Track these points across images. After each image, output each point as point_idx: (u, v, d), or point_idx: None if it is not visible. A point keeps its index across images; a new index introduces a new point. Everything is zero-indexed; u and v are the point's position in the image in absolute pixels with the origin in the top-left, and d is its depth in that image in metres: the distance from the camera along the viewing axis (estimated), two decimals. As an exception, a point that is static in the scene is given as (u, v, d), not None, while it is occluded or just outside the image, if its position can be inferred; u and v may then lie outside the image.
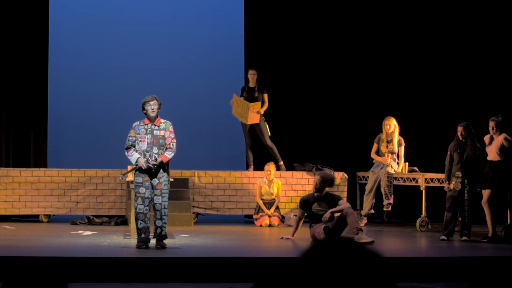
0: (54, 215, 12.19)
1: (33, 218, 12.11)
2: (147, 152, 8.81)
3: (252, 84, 12.58)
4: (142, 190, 8.78)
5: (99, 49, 13.85)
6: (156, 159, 8.73)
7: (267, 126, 12.55)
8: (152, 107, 8.82)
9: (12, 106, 12.83)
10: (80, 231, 10.60)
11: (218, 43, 14.09)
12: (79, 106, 13.70)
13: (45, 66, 13.14)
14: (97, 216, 11.86)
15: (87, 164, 12.38)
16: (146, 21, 13.98)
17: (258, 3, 13.57)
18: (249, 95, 12.48)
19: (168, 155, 8.78)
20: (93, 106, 13.72)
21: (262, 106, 12.46)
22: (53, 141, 13.30)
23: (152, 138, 8.82)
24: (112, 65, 13.84)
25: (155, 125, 8.86)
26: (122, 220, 11.74)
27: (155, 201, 8.77)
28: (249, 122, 12.36)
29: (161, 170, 8.79)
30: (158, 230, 8.76)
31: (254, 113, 12.30)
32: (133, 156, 8.80)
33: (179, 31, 14.05)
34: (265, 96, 12.52)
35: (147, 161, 8.72)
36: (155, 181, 8.78)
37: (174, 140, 8.85)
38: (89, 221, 11.73)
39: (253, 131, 12.63)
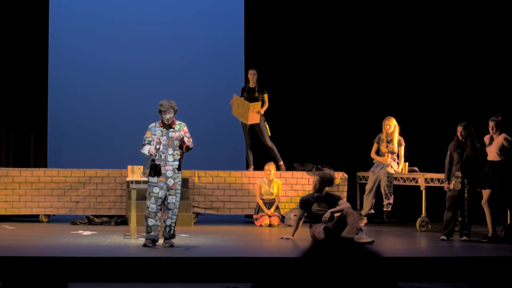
0: (54, 215, 12.18)
1: (33, 218, 12.11)
2: (162, 153, 8.93)
3: (252, 84, 12.58)
4: (156, 190, 8.90)
5: (99, 49, 13.85)
6: (179, 137, 8.82)
7: (267, 126, 12.55)
8: (167, 117, 8.97)
9: (12, 106, 12.83)
10: (80, 231, 10.60)
11: (218, 43, 14.09)
12: (79, 106, 13.70)
13: (45, 66, 13.13)
14: (97, 216, 11.86)
15: (87, 164, 12.38)
16: (146, 21, 13.97)
17: (258, 3, 13.57)
18: (249, 95, 12.48)
19: (189, 143, 8.91)
20: (93, 106, 13.72)
21: (262, 106, 12.46)
22: (53, 141, 13.30)
23: (168, 140, 8.93)
24: (112, 65, 13.84)
25: (170, 127, 8.95)
26: (122, 220, 11.74)
27: (168, 201, 8.91)
28: (249, 122, 12.36)
29: (176, 170, 8.91)
30: (168, 229, 8.92)
31: (254, 113, 12.30)
32: (145, 149, 8.95)
33: (179, 31, 14.05)
34: (265, 96, 12.52)
35: (155, 147, 8.82)
36: (170, 181, 8.90)
37: (191, 138, 9.02)
38: (89, 221, 11.73)
39: (253, 131, 12.63)
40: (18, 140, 12.84)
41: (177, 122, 9.08)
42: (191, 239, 9.76)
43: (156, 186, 8.91)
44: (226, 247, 9.24)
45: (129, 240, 9.43)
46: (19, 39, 12.84)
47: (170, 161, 8.92)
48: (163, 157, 8.92)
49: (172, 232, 8.93)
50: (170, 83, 13.78)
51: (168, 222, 8.90)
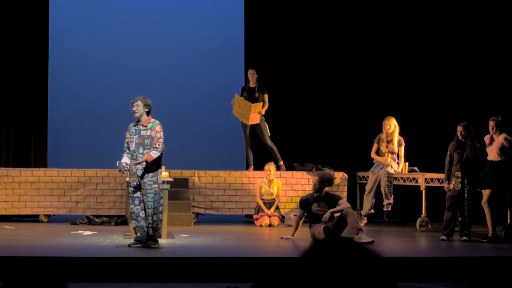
0: (54, 215, 12.18)
1: (33, 218, 12.11)
2: (134, 152, 8.87)
3: (252, 84, 12.58)
4: (130, 189, 8.90)
5: (99, 49, 13.84)
6: (140, 161, 8.75)
7: (267, 126, 12.56)
8: (133, 109, 8.89)
9: (12, 106, 12.83)
10: (80, 231, 10.60)
11: (218, 43, 14.08)
12: (79, 106, 13.70)
13: (45, 66, 13.14)
14: (97, 216, 11.86)
15: (87, 164, 12.38)
16: (146, 21, 13.97)
17: (258, 3, 13.57)
18: (250, 95, 12.49)
19: (154, 154, 8.75)
20: (93, 106, 13.72)
21: (262, 106, 12.46)
22: (53, 141, 13.30)
23: (139, 139, 8.85)
24: (112, 65, 13.84)
25: (142, 125, 8.90)
26: (122, 220, 11.74)
27: (143, 201, 8.81)
28: (250, 122, 12.36)
29: (146, 170, 8.80)
30: (147, 230, 8.80)
31: (255, 114, 12.29)
32: (123, 159, 8.91)
33: (179, 31, 14.05)
34: (266, 96, 12.52)
35: (123, 166, 8.81)
36: (140, 180, 8.81)
37: (161, 139, 8.83)
38: (89, 221, 11.73)
39: (253, 131, 12.64)
40: (18, 140, 12.84)
41: (151, 120, 8.94)
42: (191, 239, 9.76)
43: (130, 186, 8.88)
44: (226, 247, 9.24)
45: (129, 240, 9.41)
46: (19, 39, 12.84)
47: (140, 160, 8.84)
48: (134, 156, 8.85)
49: (151, 233, 8.77)
50: (170, 83, 13.78)
51: (147, 223, 8.80)
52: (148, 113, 8.92)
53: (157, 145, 8.80)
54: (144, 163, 8.77)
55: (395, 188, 11.99)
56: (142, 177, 8.78)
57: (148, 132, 8.86)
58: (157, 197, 8.83)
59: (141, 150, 8.82)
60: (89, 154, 13.46)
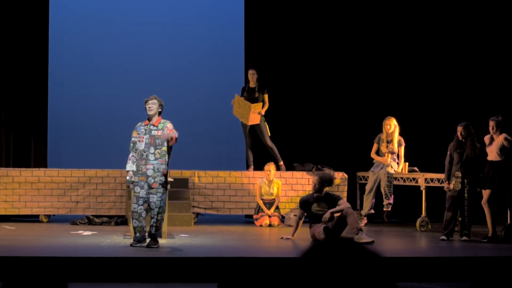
0: (54, 215, 12.18)
1: (33, 218, 12.11)
2: (144, 152, 8.85)
3: (252, 84, 12.58)
4: (137, 189, 8.86)
5: (99, 49, 13.84)
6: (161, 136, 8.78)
7: (267, 126, 12.56)
8: (149, 106, 8.92)
9: (12, 107, 12.83)
10: (80, 231, 10.60)
11: (218, 43, 14.09)
12: (79, 106, 13.70)
13: (45, 66, 13.14)
14: (97, 216, 11.86)
15: (87, 164, 12.38)
16: (146, 21, 13.97)
17: (258, 3, 13.57)
18: (250, 95, 12.49)
19: (174, 134, 8.71)
20: (93, 106, 13.72)
21: (262, 106, 12.46)
22: (53, 141, 13.30)
23: (150, 138, 8.86)
24: (112, 65, 13.84)
25: (153, 125, 8.90)
26: (122, 220, 11.74)
27: (150, 200, 8.82)
28: (250, 123, 12.36)
29: (156, 169, 8.81)
30: (150, 229, 8.81)
31: (255, 114, 12.29)
32: (127, 165, 8.94)
33: (179, 31, 14.05)
34: (266, 96, 12.52)
35: (131, 176, 8.87)
36: (150, 180, 8.82)
37: (174, 130, 8.80)
38: (89, 221, 11.73)
39: (253, 131, 12.64)
40: (18, 140, 12.84)
41: (162, 120, 8.98)
42: (191, 239, 9.75)
43: (137, 185, 8.86)
44: (226, 247, 9.24)
45: (129, 240, 9.41)
46: (19, 39, 12.84)
47: (151, 160, 8.83)
48: (144, 156, 8.86)
49: (154, 231, 8.79)
50: (170, 83, 13.78)
51: (151, 222, 8.82)
52: (160, 113, 8.97)
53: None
54: (154, 164, 8.79)
55: (395, 188, 11.99)
56: (152, 177, 8.79)
57: (159, 132, 8.88)
58: (164, 197, 8.89)
59: (152, 150, 8.85)
60: (89, 154, 13.46)
